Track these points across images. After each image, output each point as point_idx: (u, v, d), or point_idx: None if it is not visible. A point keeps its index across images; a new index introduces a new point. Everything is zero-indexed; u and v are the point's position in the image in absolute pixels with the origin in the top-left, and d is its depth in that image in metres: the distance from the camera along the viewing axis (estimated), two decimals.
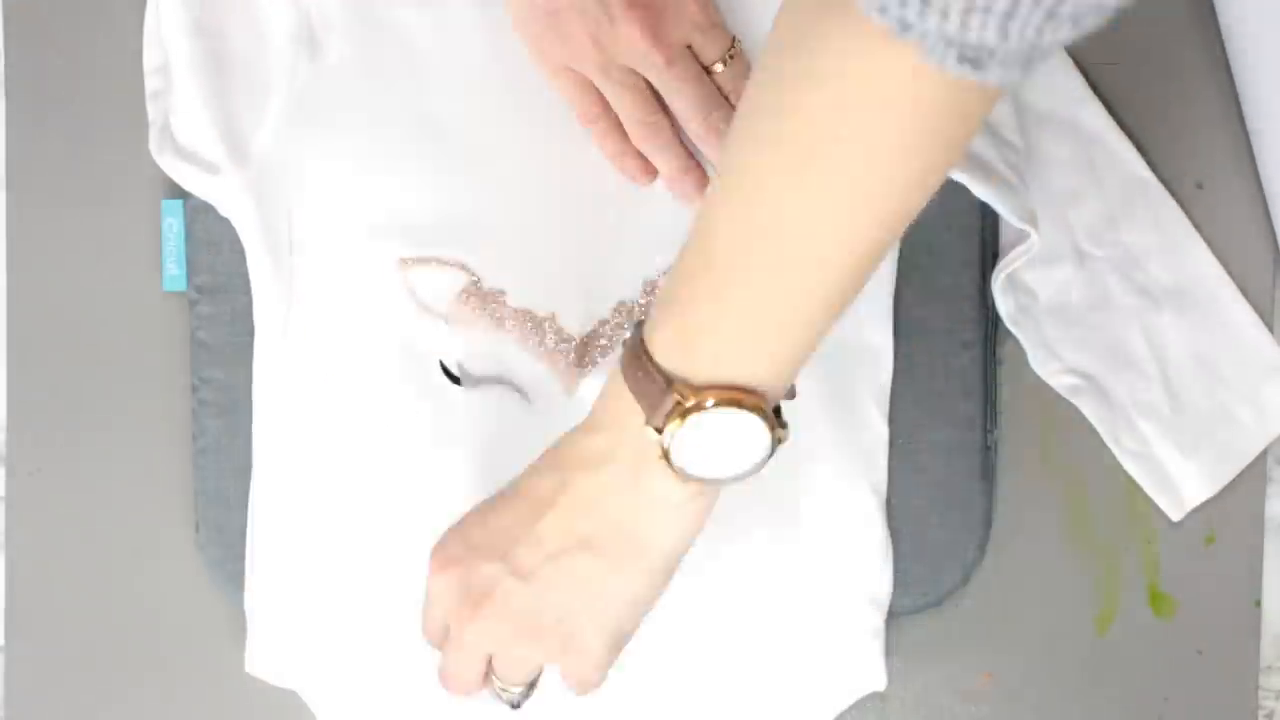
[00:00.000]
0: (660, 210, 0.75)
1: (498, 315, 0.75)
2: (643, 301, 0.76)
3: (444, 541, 0.65)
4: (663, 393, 0.57)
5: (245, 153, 0.75)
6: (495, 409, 0.75)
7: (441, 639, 0.66)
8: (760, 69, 0.57)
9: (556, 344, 0.75)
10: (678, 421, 0.57)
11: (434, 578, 0.64)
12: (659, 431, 0.57)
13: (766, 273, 0.56)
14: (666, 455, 0.58)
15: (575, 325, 0.76)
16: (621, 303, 0.76)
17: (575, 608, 0.62)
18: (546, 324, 0.75)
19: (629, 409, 0.59)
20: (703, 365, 0.57)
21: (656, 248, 0.75)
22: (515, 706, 0.68)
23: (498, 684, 0.66)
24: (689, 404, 0.57)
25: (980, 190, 0.74)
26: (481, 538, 0.63)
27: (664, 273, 0.75)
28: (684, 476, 0.59)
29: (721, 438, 0.58)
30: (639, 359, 0.58)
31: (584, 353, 0.75)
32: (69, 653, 0.79)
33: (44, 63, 0.79)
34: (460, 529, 0.65)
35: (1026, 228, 0.74)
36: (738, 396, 0.57)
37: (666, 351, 0.58)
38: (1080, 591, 0.79)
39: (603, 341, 0.76)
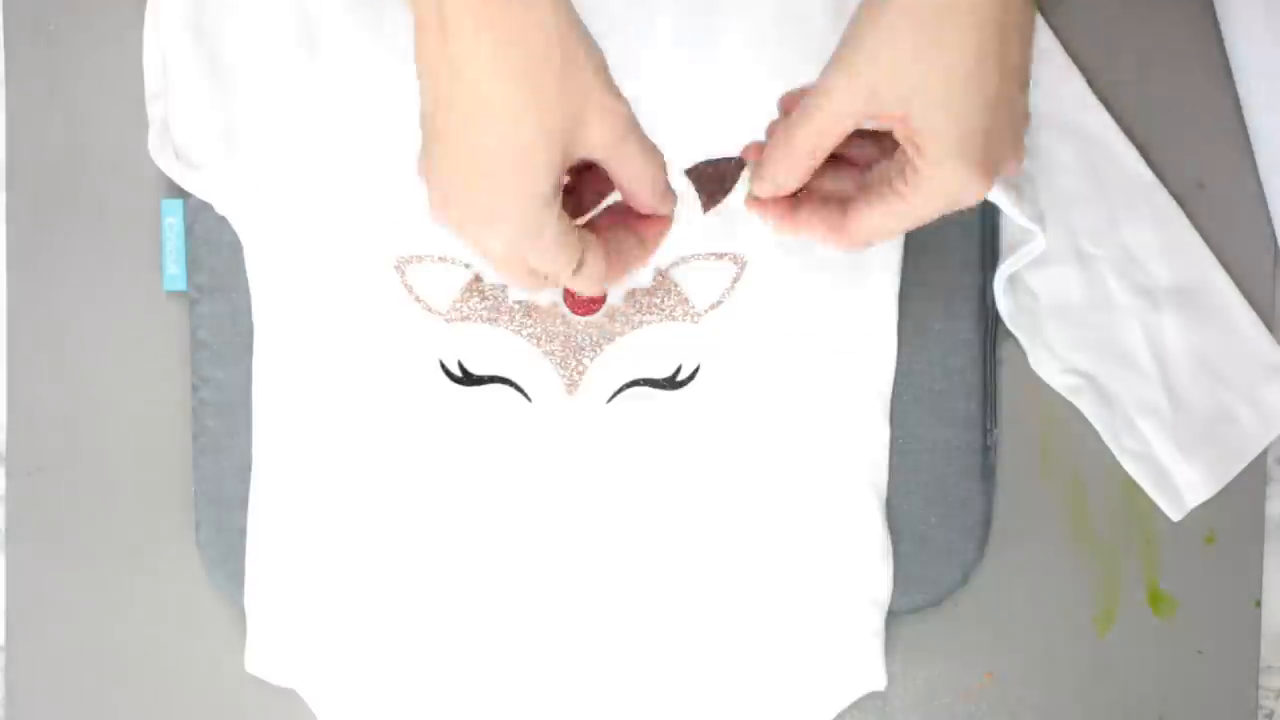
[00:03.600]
0: None
1: (500, 309, 0.75)
2: (655, 288, 0.75)
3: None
4: None
5: (244, 152, 0.75)
6: (495, 408, 0.75)
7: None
8: None
9: (560, 332, 0.75)
10: None
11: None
12: None
13: None
14: None
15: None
16: (633, 291, 0.76)
17: None
18: (549, 313, 0.75)
19: None
20: None
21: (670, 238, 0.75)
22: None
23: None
24: None
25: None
26: None
27: (675, 262, 0.75)
28: None
29: None
30: None
31: (590, 339, 0.75)
32: (69, 653, 0.79)
33: (44, 63, 0.79)
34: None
35: (1034, 228, 0.74)
36: None
37: None
38: (1080, 591, 0.79)
39: (616, 328, 0.75)
